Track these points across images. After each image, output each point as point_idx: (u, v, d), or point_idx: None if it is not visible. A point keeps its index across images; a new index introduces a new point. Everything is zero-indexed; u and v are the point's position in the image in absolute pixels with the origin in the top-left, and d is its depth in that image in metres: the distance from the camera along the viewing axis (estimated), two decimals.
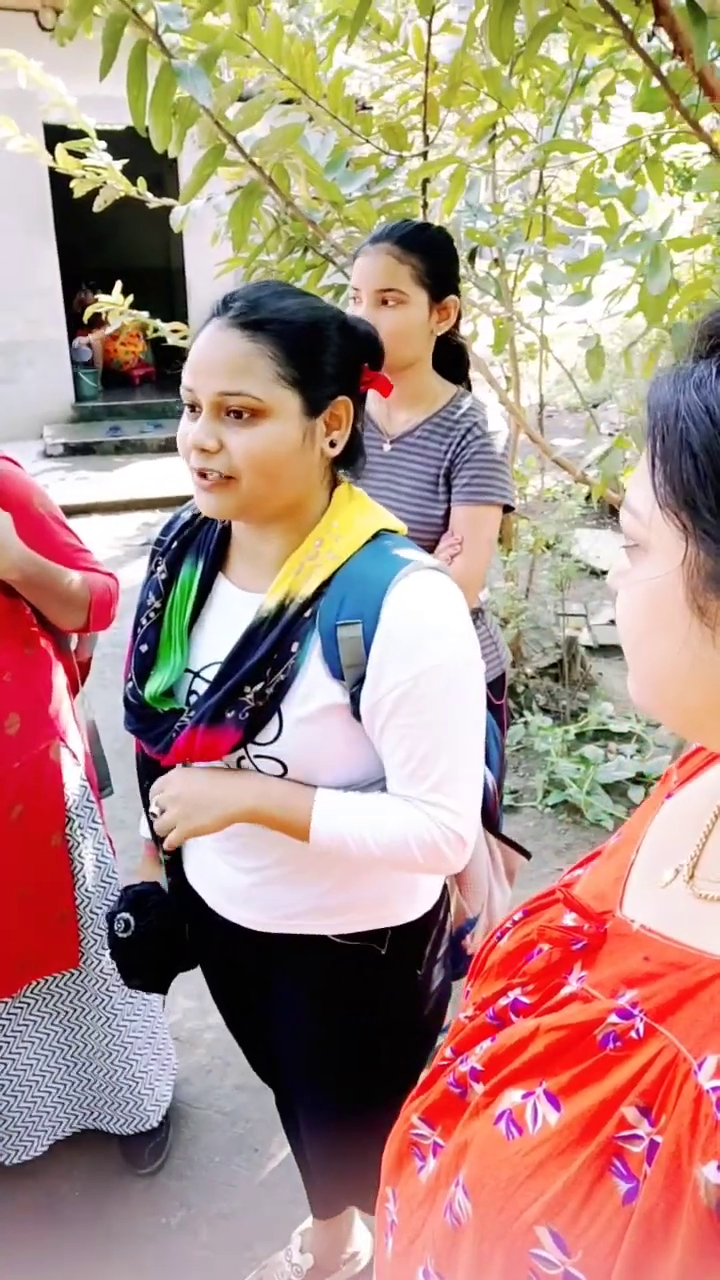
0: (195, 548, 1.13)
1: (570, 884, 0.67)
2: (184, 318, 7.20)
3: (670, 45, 1.44)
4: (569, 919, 0.61)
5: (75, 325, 8.03)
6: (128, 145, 2.48)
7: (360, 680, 0.99)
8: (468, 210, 2.13)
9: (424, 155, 2.14)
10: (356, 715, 1.02)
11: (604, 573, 4.44)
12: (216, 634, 1.09)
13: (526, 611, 3.68)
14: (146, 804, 1.22)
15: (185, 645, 1.10)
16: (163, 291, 8.86)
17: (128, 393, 9.18)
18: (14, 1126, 1.73)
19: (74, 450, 7.80)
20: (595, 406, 5.18)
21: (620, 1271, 0.47)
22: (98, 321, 3.74)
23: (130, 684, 1.12)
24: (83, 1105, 1.82)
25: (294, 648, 1.01)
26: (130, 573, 4.87)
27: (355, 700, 1.00)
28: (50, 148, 2.43)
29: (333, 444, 1.02)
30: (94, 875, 1.65)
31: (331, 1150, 1.36)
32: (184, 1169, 1.86)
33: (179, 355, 1.33)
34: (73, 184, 2.43)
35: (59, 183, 3.14)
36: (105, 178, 2.42)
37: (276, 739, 1.03)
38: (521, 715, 3.37)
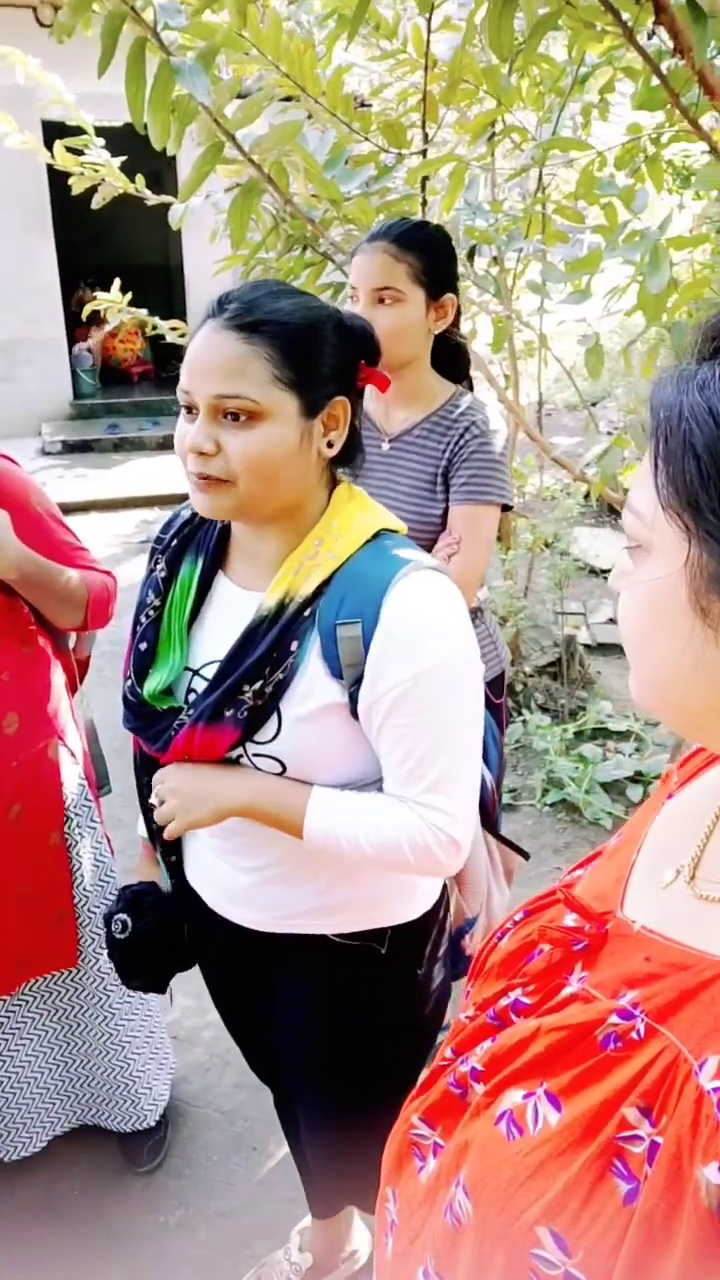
0: (195, 546, 1.13)
1: (571, 884, 0.67)
2: (182, 315, 7.19)
3: (670, 43, 1.44)
4: (570, 919, 0.61)
5: (73, 323, 8.02)
6: (126, 142, 2.48)
7: (359, 680, 0.99)
8: (467, 208, 2.13)
9: (423, 153, 2.14)
10: (355, 714, 1.02)
11: (603, 571, 4.44)
12: (216, 632, 1.09)
13: (525, 610, 3.68)
14: (144, 802, 1.22)
15: (184, 643, 1.10)
16: (161, 289, 8.84)
17: (126, 390, 9.16)
18: (12, 1123, 1.74)
19: (72, 448, 7.79)
20: (594, 405, 5.18)
21: (621, 1272, 0.47)
22: (96, 319, 3.74)
23: (129, 682, 1.12)
24: (81, 1102, 1.82)
25: (293, 647, 1.01)
26: (129, 570, 4.87)
27: (354, 699, 1.00)
28: (49, 144, 2.42)
29: (330, 444, 1.02)
30: (92, 874, 1.65)
31: (331, 1150, 1.37)
32: (183, 1167, 1.86)
33: (178, 352, 1.33)
34: (71, 181, 2.43)
35: (57, 180, 3.14)
36: (103, 175, 2.42)
37: (275, 738, 1.03)
38: (520, 714, 3.37)
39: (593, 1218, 0.49)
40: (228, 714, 1.02)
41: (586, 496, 3.89)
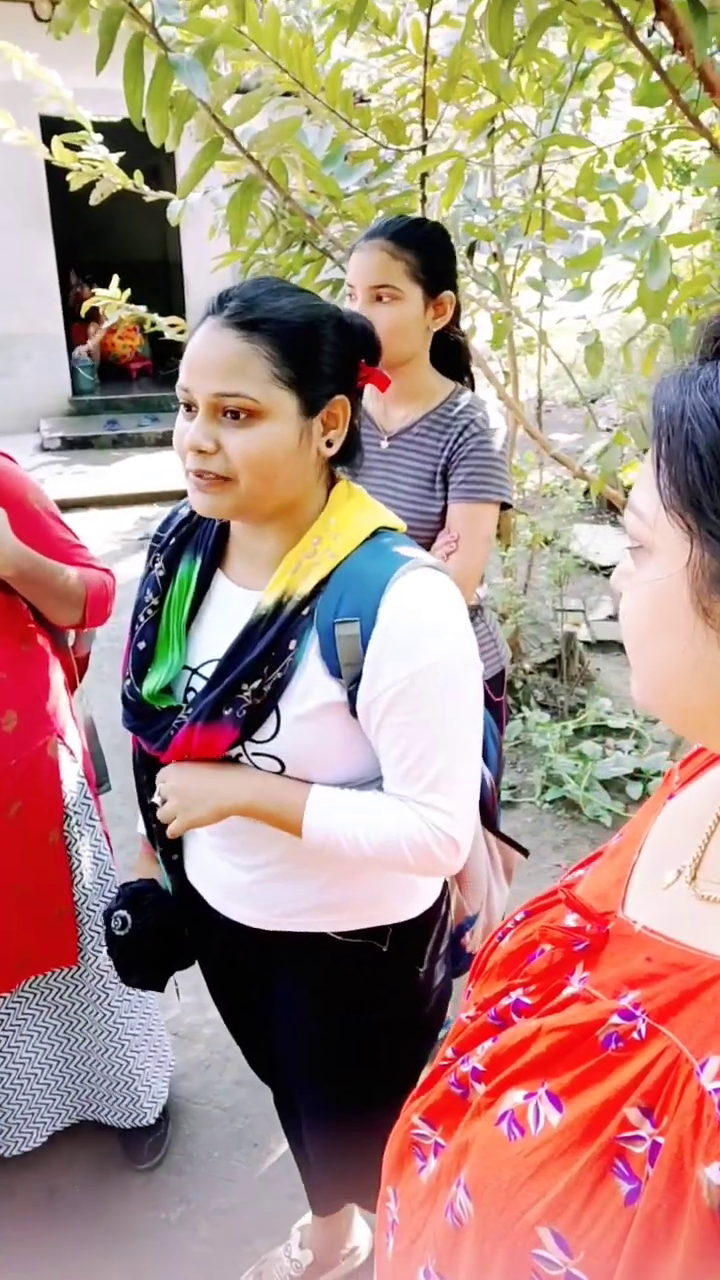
0: (193, 544, 1.13)
1: (572, 884, 0.67)
2: (181, 311, 7.18)
3: (670, 39, 1.44)
4: (571, 920, 0.61)
5: (71, 318, 8.01)
6: (124, 138, 2.47)
7: (358, 678, 0.99)
8: (466, 204, 2.12)
9: (422, 149, 2.14)
10: (354, 713, 1.01)
11: (603, 568, 4.44)
12: (215, 631, 1.08)
13: (525, 607, 3.67)
14: (144, 800, 1.22)
15: (183, 642, 1.10)
16: (160, 285, 8.83)
17: (125, 386, 9.15)
18: (13, 1119, 1.74)
19: (71, 444, 7.78)
20: (594, 401, 5.17)
21: (622, 1272, 0.47)
22: (94, 315, 3.73)
23: (128, 681, 1.12)
24: (81, 1098, 1.82)
25: (292, 645, 1.00)
26: (128, 567, 4.87)
27: (353, 698, 1.00)
28: (46, 140, 2.41)
29: (330, 443, 1.02)
30: (92, 872, 1.65)
31: (332, 1149, 1.37)
32: (183, 1164, 1.87)
33: (177, 349, 1.33)
34: (69, 177, 2.42)
35: (55, 175, 3.12)
36: (102, 170, 2.41)
37: (274, 737, 1.03)
38: (519, 711, 3.37)
39: (594, 1218, 0.49)
40: (226, 713, 1.02)
41: (586, 493, 3.89)
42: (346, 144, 2.03)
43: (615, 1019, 0.53)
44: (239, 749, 1.05)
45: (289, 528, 1.04)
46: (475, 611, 1.79)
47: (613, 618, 4.11)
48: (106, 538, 5.64)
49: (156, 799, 1.11)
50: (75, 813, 1.61)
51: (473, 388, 1.78)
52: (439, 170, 2.13)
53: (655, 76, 1.55)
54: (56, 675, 1.59)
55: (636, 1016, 0.52)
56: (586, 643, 3.87)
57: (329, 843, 1.03)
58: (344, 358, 1.02)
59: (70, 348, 8.37)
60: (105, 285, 2.91)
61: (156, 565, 1.13)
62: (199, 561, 1.11)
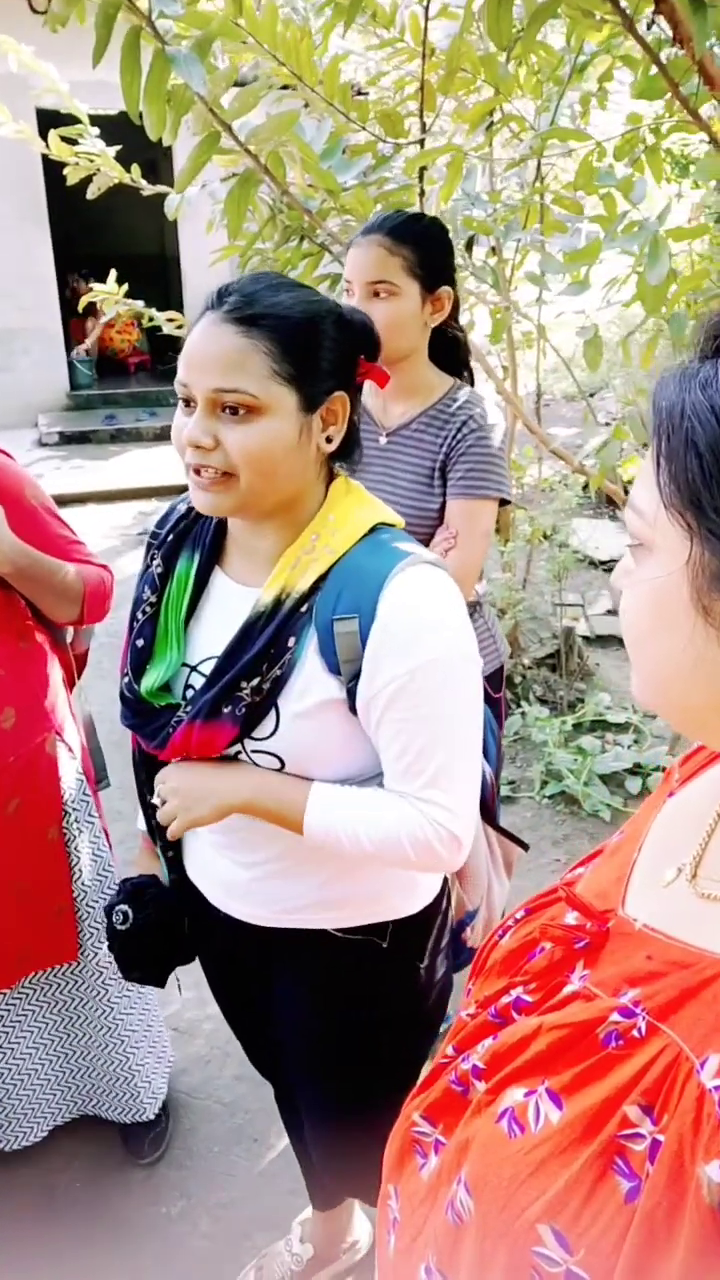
0: (191, 541, 1.12)
1: (572, 882, 0.67)
2: (179, 306, 7.17)
3: (669, 32, 1.43)
4: (571, 917, 0.61)
5: (69, 312, 7.98)
6: (121, 131, 2.45)
7: (357, 675, 0.99)
8: (464, 198, 2.11)
9: (421, 143, 2.13)
10: (353, 710, 1.01)
11: (602, 563, 4.43)
12: (213, 628, 1.08)
13: (524, 602, 3.67)
14: (143, 798, 1.22)
15: (182, 640, 1.10)
16: (158, 279, 8.80)
17: (123, 381, 9.13)
18: (13, 1114, 1.74)
19: (69, 439, 7.76)
20: (592, 396, 5.17)
21: (622, 1270, 0.47)
22: (92, 310, 3.71)
23: (126, 679, 1.12)
24: (81, 1093, 1.83)
25: (290, 643, 1.00)
26: (127, 562, 4.86)
27: (352, 695, 1.00)
28: (43, 133, 2.40)
29: (329, 439, 1.02)
30: (91, 868, 1.65)
31: (333, 1145, 1.37)
32: (184, 1159, 1.87)
33: (175, 343, 1.32)
34: (66, 171, 2.41)
35: (53, 169, 3.11)
36: (99, 164, 2.40)
37: (273, 734, 1.03)
38: (519, 706, 3.38)
39: (594, 1216, 0.49)
40: (225, 711, 1.02)
41: (585, 488, 3.88)
42: (344, 137, 2.03)
43: (615, 1017, 0.53)
44: (238, 747, 1.05)
45: (288, 524, 1.04)
46: (474, 607, 1.79)
47: (612, 612, 4.11)
48: (105, 533, 5.63)
49: (156, 800, 1.10)
50: (74, 809, 1.61)
51: (471, 383, 1.78)
52: (437, 164, 2.12)
53: (654, 70, 1.55)
54: (55, 672, 1.59)
55: (637, 1014, 0.52)
56: (585, 638, 3.87)
57: (330, 840, 1.03)
58: (343, 353, 1.01)
59: (68, 343, 8.35)
60: (103, 280, 2.90)
61: (154, 562, 1.13)
62: (197, 558, 1.10)
